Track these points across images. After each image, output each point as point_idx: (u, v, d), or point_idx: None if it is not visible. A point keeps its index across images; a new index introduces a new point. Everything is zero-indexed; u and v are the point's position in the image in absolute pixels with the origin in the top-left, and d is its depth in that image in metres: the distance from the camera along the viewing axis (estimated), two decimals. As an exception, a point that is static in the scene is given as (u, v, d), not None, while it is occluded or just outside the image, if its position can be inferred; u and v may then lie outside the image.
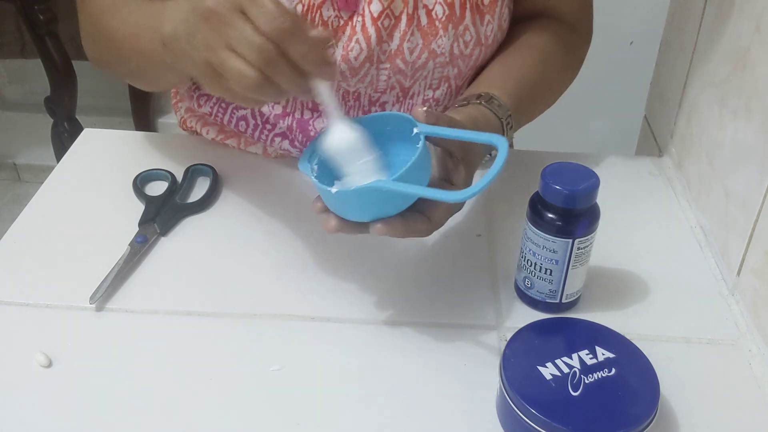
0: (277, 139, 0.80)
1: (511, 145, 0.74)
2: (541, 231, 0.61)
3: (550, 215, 0.60)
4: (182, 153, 0.84)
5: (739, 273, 0.67)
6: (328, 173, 0.60)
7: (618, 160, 0.86)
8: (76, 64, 1.62)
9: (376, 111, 0.77)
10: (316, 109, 0.78)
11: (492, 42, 0.75)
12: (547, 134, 1.12)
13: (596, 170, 0.61)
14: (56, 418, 0.55)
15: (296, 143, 0.80)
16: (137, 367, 0.59)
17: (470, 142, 0.57)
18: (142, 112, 1.94)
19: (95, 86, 1.92)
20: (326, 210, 0.58)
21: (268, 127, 0.80)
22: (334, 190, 0.55)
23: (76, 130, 1.58)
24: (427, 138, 0.57)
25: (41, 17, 1.52)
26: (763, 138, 0.64)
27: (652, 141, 0.94)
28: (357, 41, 0.70)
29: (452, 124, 0.58)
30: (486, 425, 0.56)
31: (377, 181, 0.54)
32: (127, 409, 0.56)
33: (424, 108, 0.56)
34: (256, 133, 0.81)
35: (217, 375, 0.59)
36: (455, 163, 0.59)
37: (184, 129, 0.92)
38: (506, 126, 0.68)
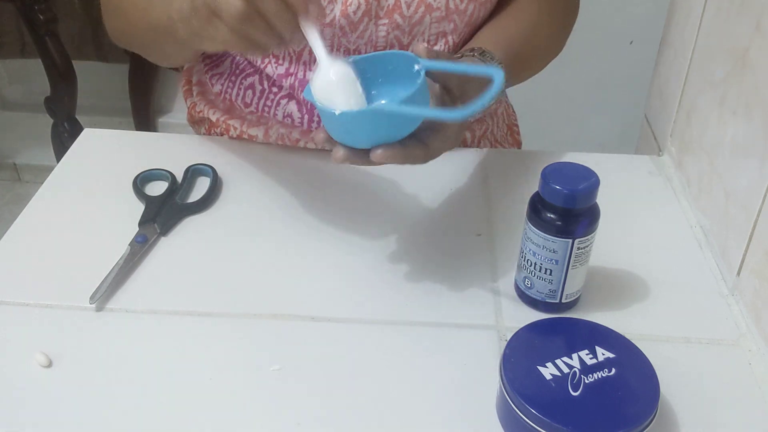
0: (283, 102, 0.83)
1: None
2: (541, 231, 0.61)
3: (550, 215, 0.60)
4: (182, 153, 0.84)
5: (739, 273, 0.67)
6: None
7: (618, 159, 0.86)
8: (76, 64, 1.62)
9: None
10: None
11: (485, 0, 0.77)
12: (547, 134, 1.12)
13: (596, 170, 0.61)
14: (56, 418, 0.56)
15: (303, 108, 0.82)
16: (137, 367, 0.59)
17: (467, 79, 0.60)
18: (142, 112, 1.94)
19: (95, 86, 1.92)
20: (329, 139, 0.59)
21: (275, 90, 0.83)
22: (338, 111, 0.55)
23: (76, 130, 1.58)
24: (427, 74, 0.58)
25: (41, 17, 1.52)
26: (763, 137, 0.64)
27: (652, 140, 0.94)
28: None
29: (449, 59, 0.61)
30: (486, 425, 0.56)
31: (381, 104, 0.56)
32: (127, 409, 0.56)
33: (425, 44, 0.59)
34: (262, 102, 0.83)
35: (217, 375, 0.59)
36: (452, 98, 0.62)
37: (191, 121, 0.93)
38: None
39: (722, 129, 0.73)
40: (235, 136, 0.86)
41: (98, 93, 1.99)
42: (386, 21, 0.75)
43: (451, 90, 0.61)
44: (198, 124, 0.93)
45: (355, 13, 0.74)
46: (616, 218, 0.74)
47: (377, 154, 0.57)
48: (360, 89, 0.58)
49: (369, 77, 0.60)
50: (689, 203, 0.79)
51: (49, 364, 0.59)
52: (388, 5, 0.74)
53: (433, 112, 0.55)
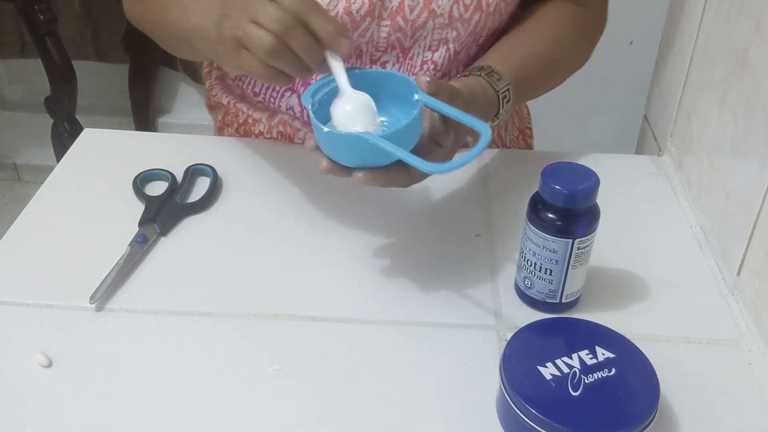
0: (287, 94, 0.85)
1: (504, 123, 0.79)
2: (541, 231, 0.61)
3: (550, 215, 0.60)
4: (182, 153, 0.84)
5: (739, 273, 0.67)
6: (327, 113, 0.61)
7: (618, 160, 0.86)
8: (76, 64, 1.61)
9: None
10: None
11: (494, 10, 0.76)
12: (547, 134, 1.12)
13: (596, 170, 0.61)
14: (56, 418, 0.56)
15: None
16: (137, 367, 0.59)
17: (467, 108, 0.60)
18: (142, 112, 1.94)
19: (95, 86, 1.92)
20: (318, 149, 0.61)
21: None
22: (325, 129, 0.57)
23: (76, 130, 1.58)
24: (424, 106, 0.60)
25: (41, 17, 1.52)
26: (763, 138, 0.64)
27: (652, 140, 0.94)
28: None
29: (452, 94, 0.61)
30: (486, 425, 0.56)
31: (367, 134, 0.57)
32: (127, 409, 0.56)
33: (428, 78, 0.59)
34: (269, 93, 0.86)
35: (217, 375, 0.59)
36: (447, 127, 0.62)
37: (209, 107, 0.96)
38: (502, 99, 0.71)
39: (722, 129, 0.73)
40: (242, 120, 0.88)
41: (98, 93, 1.99)
42: (389, 22, 0.75)
43: (448, 119, 0.61)
44: (215, 111, 0.94)
45: (358, 11, 0.74)
46: (616, 218, 0.74)
47: (359, 177, 0.58)
48: (378, 120, 0.60)
49: (370, 90, 0.61)
50: (689, 203, 0.79)
51: (49, 364, 0.59)
52: (392, 7, 0.74)
53: (414, 159, 0.55)
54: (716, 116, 0.74)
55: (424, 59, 0.79)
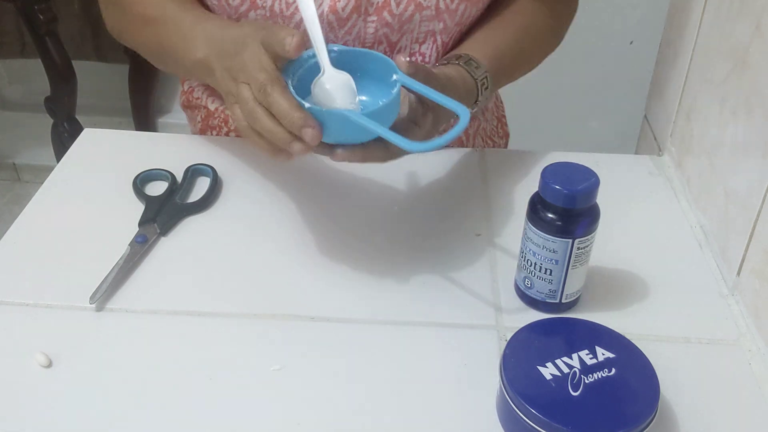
0: None
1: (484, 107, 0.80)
2: (541, 231, 0.61)
3: (550, 215, 0.60)
4: (182, 153, 0.84)
5: (739, 273, 0.67)
6: (307, 89, 0.61)
7: (618, 160, 0.86)
8: (76, 64, 1.61)
9: None
10: None
11: None
12: (547, 134, 1.12)
13: (596, 170, 0.61)
14: (56, 418, 0.56)
15: None
16: (137, 367, 0.59)
17: (445, 89, 0.60)
18: (142, 112, 1.93)
19: (95, 86, 1.92)
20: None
21: None
22: (307, 105, 0.57)
23: (76, 130, 1.57)
24: (402, 86, 0.60)
25: (41, 17, 1.52)
26: (763, 138, 0.64)
27: (652, 140, 0.94)
28: None
29: (428, 76, 0.62)
30: (486, 425, 0.56)
31: (348, 111, 0.58)
32: (127, 409, 0.56)
33: (406, 58, 0.59)
34: None
35: (217, 375, 0.59)
36: (425, 109, 0.62)
37: (185, 105, 0.94)
38: (480, 86, 0.72)
39: (722, 129, 0.73)
40: (233, 126, 0.87)
41: (98, 93, 1.99)
42: (375, 18, 0.75)
43: (426, 101, 0.62)
44: (193, 110, 0.93)
45: (343, 9, 0.74)
46: (616, 218, 0.74)
47: (337, 153, 0.60)
48: (357, 99, 0.61)
49: (349, 69, 0.61)
50: (689, 203, 0.79)
51: (49, 364, 0.59)
52: (378, 2, 0.74)
53: (394, 137, 0.55)
54: (716, 116, 0.74)
55: (412, 52, 0.79)
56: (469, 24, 0.81)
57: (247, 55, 0.61)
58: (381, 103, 0.59)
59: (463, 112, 0.56)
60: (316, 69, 0.61)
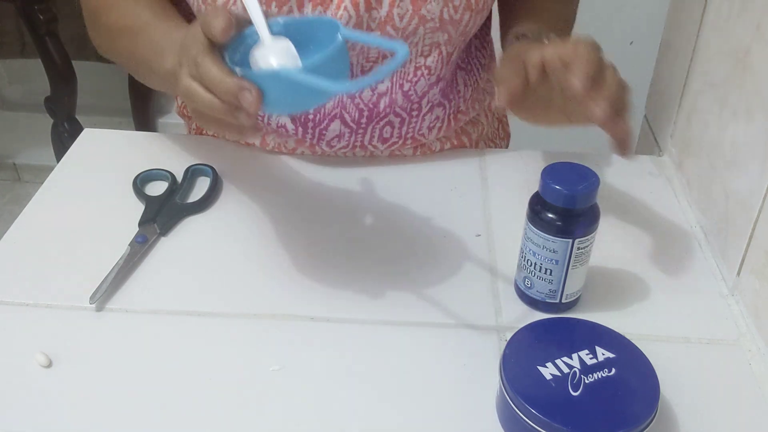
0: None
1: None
2: (541, 231, 0.61)
3: (550, 215, 0.60)
4: (182, 153, 0.84)
5: (739, 273, 0.67)
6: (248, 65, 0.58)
7: (618, 160, 0.86)
8: (76, 64, 1.61)
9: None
10: None
11: (483, 7, 0.76)
12: (547, 134, 1.12)
13: (596, 170, 0.61)
14: (56, 418, 0.55)
15: (296, 121, 0.80)
16: (137, 367, 0.59)
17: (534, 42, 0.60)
18: (142, 112, 1.93)
19: (95, 86, 1.92)
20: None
21: None
22: (238, 70, 0.54)
23: (76, 130, 1.57)
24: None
25: (41, 17, 1.52)
26: (763, 138, 0.64)
27: (652, 141, 0.94)
28: (345, 8, 0.71)
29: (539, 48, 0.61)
30: (486, 425, 0.56)
31: (280, 68, 0.53)
32: (127, 409, 0.56)
33: (502, 95, 0.59)
34: None
35: (217, 375, 0.59)
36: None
37: (181, 114, 0.93)
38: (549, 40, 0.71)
39: (722, 130, 0.73)
40: (232, 140, 0.86)
41: (98, 93, 1.99)
42: (378, 33, 0.73)
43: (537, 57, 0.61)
44: (188, 119, 0.93)
45: (345, 25, 0.72)
46: (616, 218, 0.75)
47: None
48: (299, 63, 0.56)
49: (298, 41, 0.57)
50: (689, 203, 0.79)
51: (49, 364, 0.59)
52: (380, 17, 0.73)
53: (320, 82, 0.51)
54: (716, 117, 0.74)
55: (417, 65, 0.78)
56: (473, 32, 0.80)
57: (186, 39, 0.58)
58: (320, 56, 0.54)
59: (401, 48, 0.53)
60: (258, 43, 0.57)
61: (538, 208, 0.61)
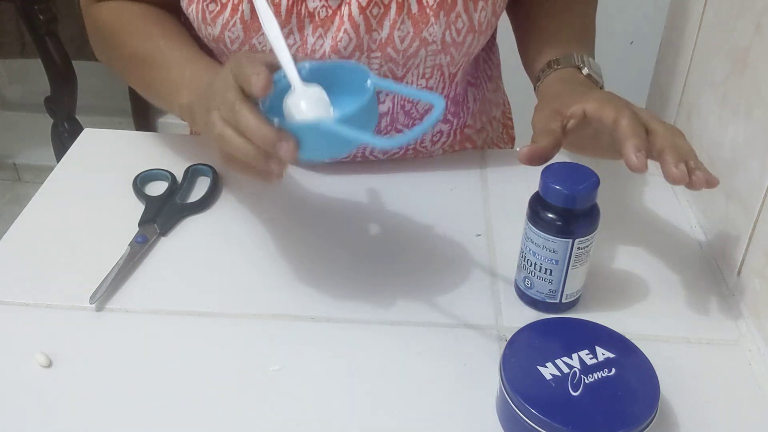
0: None
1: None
2: (541, 231, 0.61)
3: (550, 215, 0.60)
4: (182, 153, 0.84)
5: (739, 273, 0.67)
6: (280, 109, 0.58)
7: (618, 159, 0.86)
8: (76, 64, 1.62)
9: None
10: None
11: (486, 28, 0.75)
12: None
13: (596, 170, 0.61)
14: (56, 418, 0.55)
15: None
16: (137, 367, 0.59)
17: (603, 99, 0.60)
18: (142, 112, 1.94)
19: (95, 86, 1.92)
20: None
21: None
22: (276, 121, 0.54)
23: (76, 130, 1.58)
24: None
25: (41, 17, 1.52)
26: (763, 138, 0.64)
27: (652, 141, 0.94)
28: (345, 31, 0.70)
29: (558, 130, 0.61)
30: (486, 425, 0.56)
31: (318, 119, 0.55)
32: (127, 409, 0.56)
33: (526, 148, 0.59)
34: None
35: (217, 375, 0.59)
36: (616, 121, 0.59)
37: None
38: (584, 62, 0.74)
39: (722, 129, 0.73)
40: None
41: (98, 93, 1.99)
42: (379, 54, 0.73)
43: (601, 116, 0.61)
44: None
45: (345, 48, 0.71)
46: (616, 218, 0.75)
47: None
48: (331, 111, 0.57)
49: (324, 85, 0.58)
50: (689, 203, 0.79)
51: (49, 364, 0.59)
52: (381, 39, 0.72)
53: (367, 137, 0.53)
54: (716, 116, 0.74)
55: (419, 86, 0.77)
56: (476, 52, 0.79)
57: (217, 83, 0.58)
58: (355, 107, 0.55)
59: (438, 102, 0.53)
60: (288, 89, 0.57)
61: (538, 208, 0.61)
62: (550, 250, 0.61)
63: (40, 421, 0.55)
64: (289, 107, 0.57)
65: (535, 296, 0.65)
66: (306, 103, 0.56)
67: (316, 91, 0.57)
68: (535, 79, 0.76)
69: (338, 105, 0.58)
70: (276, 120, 0.54)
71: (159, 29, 0.74)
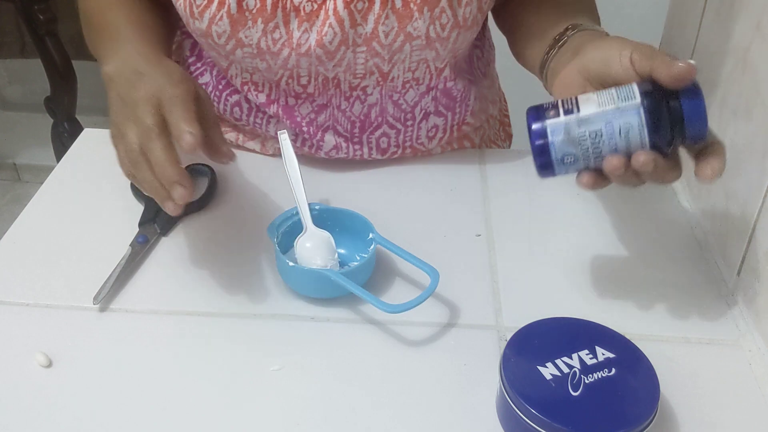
0: (273, 120, 0.82)
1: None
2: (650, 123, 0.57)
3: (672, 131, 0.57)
4: (181, 153, 0.83)
5: (739, 273, 0.67)
6: (290, 244, 0.69)
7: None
8: (76, 64, 1.61)
9: (357, 96, 0.78)
10: (299, 96, 0.78)
11: (471, 24, 0.75)
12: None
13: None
14: (56, 418, 0.55)
15: (294, 130, 0.80)
16: (137, 367, 0.59)
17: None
18: (142, 112, 1.93)
19: (95, 86, 1.91)
20: None
21: (260, 114, 0.82)
22: (290, 263, 0.64)
23: (76, 130, 1.58)
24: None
25: (41, 17, 1.52)
26: (763, 138, 0.64)
27: (652, 141, 0.94)
28: (330, 25, 0.71)
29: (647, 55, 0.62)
30: (486, 425, 0.56)
31: (327, 270, 0.64)
32: (128, 409, 0.56)
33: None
34: (251, 119, 0.82)
35: (217, 375, 0.59)
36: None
37: None
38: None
39: (722, 129, 0.73)
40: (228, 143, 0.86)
41: (98, 93, 1.98)
42: (364, 49, 0.73)
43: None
44: None
45: (331, 42, 0.72)
46: (617, 218, 0.74)
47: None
48: (336, 255, 0.68)
49: (329, 224, 0.69)
50: (689, 203, 0.79)
51: (49, 364, 0.59)
52: (365, 34, 0.72)
53: (368, 296, 0.61)
54: (716, 116, 0.74)
55: (405, 80, 0.77)
56: (464, 48, 0.79)
57: (142, 94, 0.60)
58: (358, 260, 0.69)
59: (433, 274, 0.63)
60: (298, 225, 0.68)
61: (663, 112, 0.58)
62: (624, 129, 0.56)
63: (40, 421, 0.55)
64: (300, 246, 0.67)
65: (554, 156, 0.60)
66: (314, 245, 0.67)
67: (325, 236, 0.68)
68: (552, 47, 0.72)
69: (340, 242, 0.69)
70: (290, 263, 0.64)
71: (126, 9, 0.77)
